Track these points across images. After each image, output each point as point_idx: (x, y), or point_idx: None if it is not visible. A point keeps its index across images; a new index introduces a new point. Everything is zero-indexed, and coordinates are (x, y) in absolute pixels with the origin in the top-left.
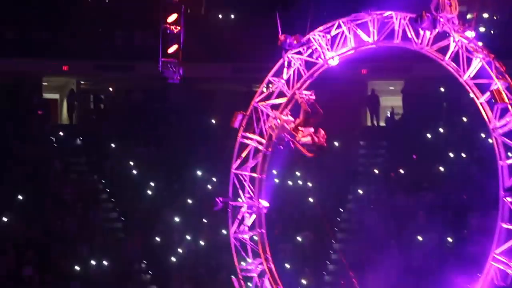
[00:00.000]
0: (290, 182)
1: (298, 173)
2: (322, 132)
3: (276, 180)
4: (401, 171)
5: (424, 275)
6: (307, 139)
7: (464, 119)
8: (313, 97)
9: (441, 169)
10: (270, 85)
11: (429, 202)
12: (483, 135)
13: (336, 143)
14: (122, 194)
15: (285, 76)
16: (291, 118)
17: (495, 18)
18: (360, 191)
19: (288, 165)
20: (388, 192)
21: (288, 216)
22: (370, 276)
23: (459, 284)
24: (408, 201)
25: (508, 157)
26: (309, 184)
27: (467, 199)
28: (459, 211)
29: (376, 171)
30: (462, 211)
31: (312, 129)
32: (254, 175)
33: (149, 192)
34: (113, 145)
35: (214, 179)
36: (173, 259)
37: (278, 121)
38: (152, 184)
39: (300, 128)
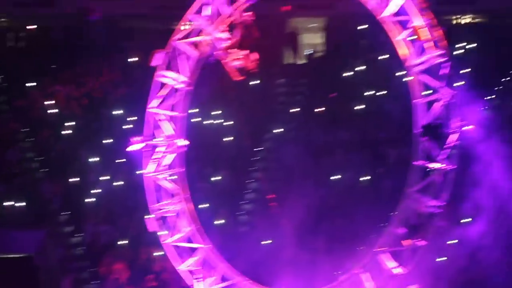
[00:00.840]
0: (208, 121)
1: (216, 112)
2: (254, 56)
3: (194, 119)
4: (320, 109)
5: (341, 212)
6: (239, 62)
7: (383, 56)
8: (252, 18)
9: (360, 107)
10: (189, 23)
11: (347, 140)
12: (401, 73)
13: (255, 81)
14: (39, 133)
15: (204, 13)
16: (226, 36)
17: None
18: (279, 129)
19: (207, 104)
20: (307, 130)
21: (206, 155)
22: (287, 214)
23: (376, 221)
24: (326, 139)
25: (425, 95)
26: (228, 123)
27: (385, 137)
28: (377, 148)
29: (295, 109)
30: (379, 149)
31: (245, 52)
32: (172, 113)
33: (67, 131)
34: (31, 84)
35: (132, 118)
36: (90, 199)
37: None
38: (69, 123)
39: (233, 49)
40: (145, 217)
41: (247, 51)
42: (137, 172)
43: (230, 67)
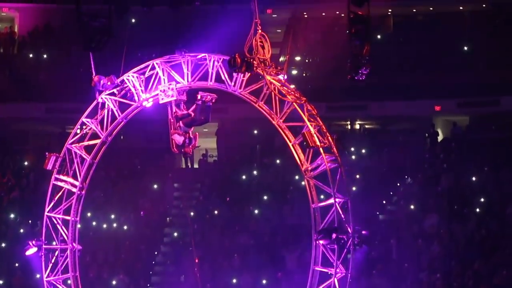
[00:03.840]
0: (104, 225)
1: (112, 216)
2: (196, 139)
3: (91, 223)
4: (216, 212)
5: None
6: (180, 138)
7: (277, 161)
8: (212, 102)
9: (255, 211)
10: (84, 127)
11: (243, 243)
12: (296, 177)
13: (154, 186)
14: None
15: (99, 117)
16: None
17: (307, 61)
18: (175, 234)
19: (103, 208)
20: (203, 235)
21: (103, 259)
22: None
23: None
24: (223, 243)
25: (320, 200)
26: (125, 227)
27: (282, 240)
28: (274, 252)
29: (191, 213)
30: (276, 253)
31: (191, 130)
32: (68, 217)
33: None
34: None
35: (27, 222)
36: None
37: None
38: None
39: (181, 123)
40: None
41: (192, 131)
42: (34, 276)
43: (172, 138)
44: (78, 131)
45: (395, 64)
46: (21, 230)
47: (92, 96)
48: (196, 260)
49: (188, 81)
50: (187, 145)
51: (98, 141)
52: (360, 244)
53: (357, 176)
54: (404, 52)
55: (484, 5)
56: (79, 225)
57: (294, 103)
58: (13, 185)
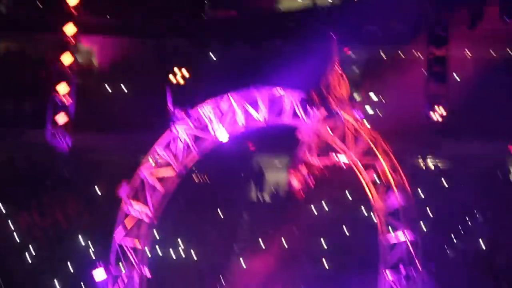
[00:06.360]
0: (173, 255)
1: (181, 245)
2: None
3: (159, 251)
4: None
5: None
6: (298, 184)
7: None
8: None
9: (325, 246)
10: (157, 156)
11: (310, 273)
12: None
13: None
14: (2, 259)
15: (172, 149)
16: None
17: (383, 101)
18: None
19: (171, 236)
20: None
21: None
22: None
23: None
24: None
25: (388, 231)
26: (194, 257)
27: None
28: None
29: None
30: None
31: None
32: (137, 245)
33: (30, 258)
34: None
35: (97, 247)
36: None
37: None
38: (32, 250)
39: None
40: None
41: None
42: None
43: (290, 177)
44: (151, 160)
45: (470, 104)
46: (92, 255)
47: (167, 127)
48: None
49: (264, 117)
50: (301, 191)
51: (170, 171)
52: (429, 281)
53: (429, 213)
54: (479, 92)
55: None
56: (148, 254)
57: (368, 140)
58: (85, 212)
